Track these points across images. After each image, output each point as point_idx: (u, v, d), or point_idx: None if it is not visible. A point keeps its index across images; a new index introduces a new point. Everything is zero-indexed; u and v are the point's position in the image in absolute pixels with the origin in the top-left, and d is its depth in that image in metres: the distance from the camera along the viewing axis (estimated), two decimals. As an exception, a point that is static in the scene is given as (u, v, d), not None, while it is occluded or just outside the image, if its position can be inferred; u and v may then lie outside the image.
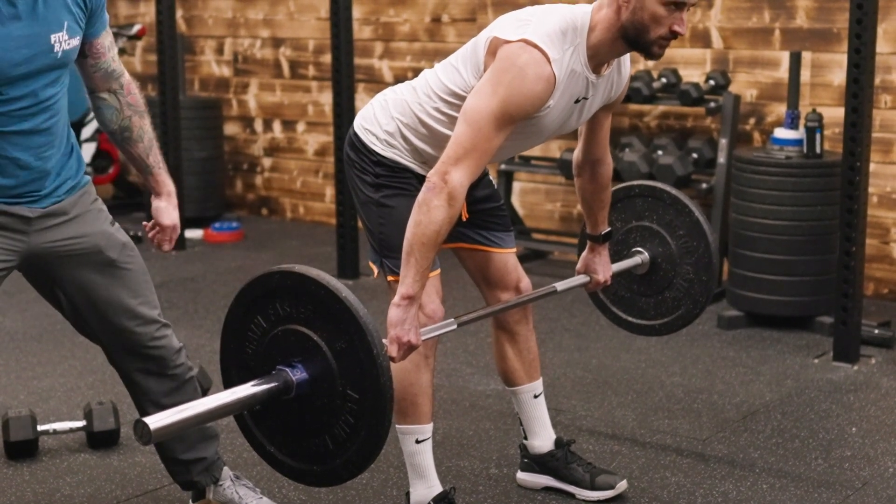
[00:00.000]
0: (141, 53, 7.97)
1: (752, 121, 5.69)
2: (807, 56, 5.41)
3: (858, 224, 4.50)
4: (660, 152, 5.64)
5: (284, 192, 7.62)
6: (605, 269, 3.37)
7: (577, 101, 2.91)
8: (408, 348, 2.72)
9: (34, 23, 2.58)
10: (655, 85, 5.66)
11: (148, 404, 2.98)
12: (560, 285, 3.26)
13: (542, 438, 3.41)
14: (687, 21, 2.82)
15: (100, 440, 3.72)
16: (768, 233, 4.96)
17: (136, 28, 7.29)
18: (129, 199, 7.67)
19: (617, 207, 3.49)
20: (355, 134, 3.11)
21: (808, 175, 4.93)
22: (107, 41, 2.83)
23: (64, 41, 2.64)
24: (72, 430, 3.74)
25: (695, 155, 5.62)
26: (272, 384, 2.40)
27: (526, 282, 3.31)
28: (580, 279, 3.37)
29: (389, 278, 3.07)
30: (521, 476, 3.48)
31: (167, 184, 3.00)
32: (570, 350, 4.78)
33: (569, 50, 2.81)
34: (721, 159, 5.49)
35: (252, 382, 2.41)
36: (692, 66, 5.80)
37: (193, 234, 6.85)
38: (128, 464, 3.63)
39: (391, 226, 3.02)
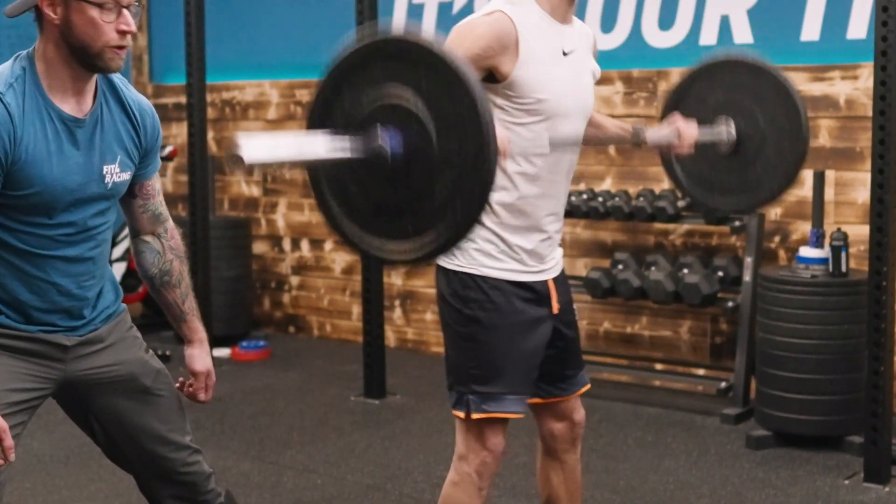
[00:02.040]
0: (172, 173, 8.10)
1: (776, 239, 5.71)
2: (830, 175, 5.45)
3: (886, 342, 4.49)
4: (685, 270, 5.65)
5: (312, 310, 7.66)
6: (689, 125, 3.20)
7: (565, 54, 2.92)
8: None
9: (90, 152, 2.64)
10: (680, 203, 5.70)
11: None
12: (649, 134, 3.14)
13: None
14: None
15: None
16: (796, 352, 4.94)
17: (169, 149, 7.42)
18: (159, 318, 7.72)
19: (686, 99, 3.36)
20: (439, 267, 3.05)
21: (835, 294, 4.93)
22: (157, 184, 2.89)
23: (115, 173, 2.70)
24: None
25: (720, 273, 5.64)
26: (372, 143, 2.23)
27: (581, 413, 3.27)
28: (668, 131, 3.18)
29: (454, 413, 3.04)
30: None
31: (199, 330, 2.98)
32: (597, 471, 4.75)
33: (514, 7, 2.84)
34: (747, 277, 5.50)
35: (348, 136, 2.24)
36: (716, 184, 5.84)
37: (221, 353, 6.87)
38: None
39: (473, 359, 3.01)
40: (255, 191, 7.85)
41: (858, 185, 5.42)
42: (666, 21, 6.03)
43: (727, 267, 5.65)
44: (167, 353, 6.73)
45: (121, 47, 2.57)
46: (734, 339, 5.73)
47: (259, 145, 2.12)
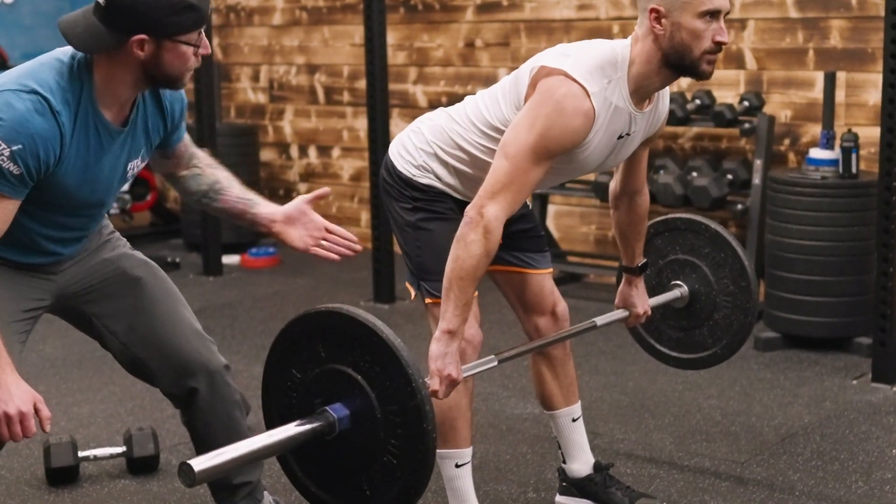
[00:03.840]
0: (177, 81, 8.03)
1: (786, 141, 5.68)
2: (841, 76, 5.40)
3: (895, 244, 4.48)
4: (694, 174, 5.63)
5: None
6: (643, 301, 3.37)
7: (619, 137, 2.91)
8: (449, 383, 2.72)
9: (120, 154, 2.67)
10: (689, 106, 5.66)
11: (200, 426, 2.99)
12: (599, 320, 3.27)
13: (581, 462, 3.41)
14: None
15: (139, 466, 3.74)
16: (805, 254, 4.94)
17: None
18: (167, 226, 7.74)
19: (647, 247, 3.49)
20: (391, 160, 3.13)
21: (845, 195, 4.91)
22: (187, 138, 2.91)
23: (136, 165, 2.75)
24: (112, 457, 3.77)
25: (730, 176, 5.61)
26: (314, 424, 2.39)
27: (562, 305, 3.32)
28: (619, 314, 3.37)
29: (427, 301, 3.09)
30: (560, 500, 3.48)
31: (266, 205, 2.96)
32: (606, 374, 4.78)
33: (609, 84, 2.80)
34: (756, 180, 5.48)
35: (294, 423, 2.40)
36: (726, 87, 5.80)
37: (230, 259, 6.90)
38: (167, 489, 3.65)
39: (428, 249, 3.04)
40: (262, 98, 7.81)
41: (870, 87, 5.37)
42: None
43: (736, 170, 5.63)
44: (177, 259, 6.77)
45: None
46: (743, 241, 5.72)
47: (210, 457, 2.26)
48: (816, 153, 5.05)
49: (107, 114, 2.59)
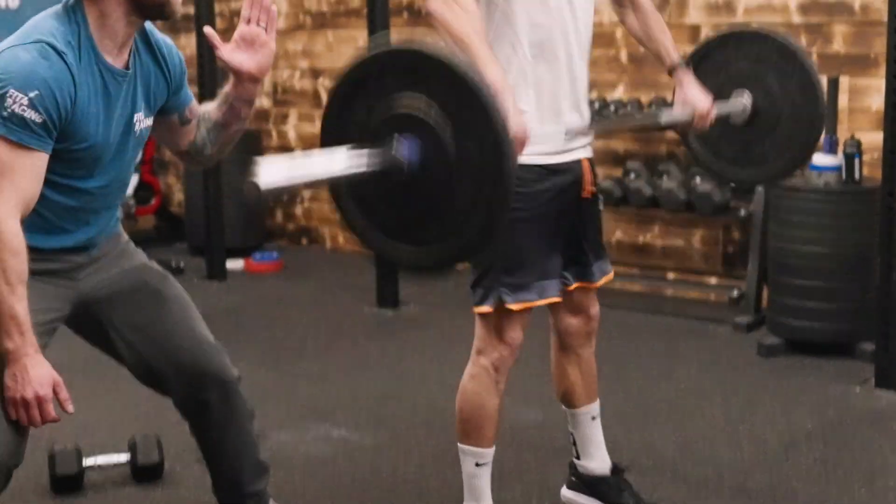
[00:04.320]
0: (181, 86, 8.05)
1: (790, 146, 5.67)
2: (844, 81, 5.40)
3: (898, 250, 4.49)
4: (698, 179, 5.64)
5: (324, 221, 7.67)
6: (703, 97, 3.17)
7: None
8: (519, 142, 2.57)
9: (125, 103, 2.66)
10: (693, 112, 5.65)
11: (211, 437, 2.99)
12: (664, 117, 3.16)
13: (597, 461, 3.41)
14: None
15: (144, 474, 3.75)
16: (808, 259, 4.94)
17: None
18: (171, 231, 7.75)
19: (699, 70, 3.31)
20: None
21: (847, 201, 4.91)
22: (195, 110, 2.90)
23: (141, 120, 2.72)
24: (116, 465, 3.78)
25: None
26: (388, 155, 2.23)
27: (596, 308, 3.31)
28: (683, 112, 3.17)
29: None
30: (567, 493, 3.48)
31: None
32: (609, 379, 4.77)
33: None
34: (759, 186, 5.48)
35: (365, 150, 2.24)
36: (729, 92, 5.79)
37: (234, 264, 6.90)
38: (172, 498, 3.66)
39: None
40: (266, 102, 7.82)
41: (873, 92, 5.37)
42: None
43: (740, 175, 5.62)
44: (181, 264, 6.77)
45: None
46: (746, 247, 5.73)
47: (275, 170, 2.11)
48: (819, 159, 5.05)
49: (107, 56, 2.59)
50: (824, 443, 4.04)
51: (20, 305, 2.46)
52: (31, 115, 2.44)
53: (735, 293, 5.63)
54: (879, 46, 5.25)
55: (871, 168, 5.21)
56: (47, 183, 2.57)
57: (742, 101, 3.29)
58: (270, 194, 2.12)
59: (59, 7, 2.60)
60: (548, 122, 2.95)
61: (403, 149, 2.23)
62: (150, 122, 2.76)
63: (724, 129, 3.33)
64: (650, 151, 6.08)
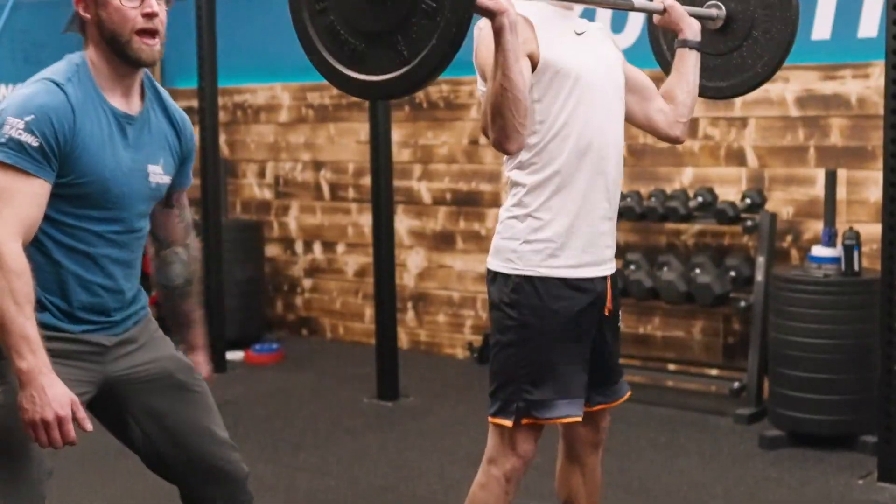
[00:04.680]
0: (184, 177, 8.10)
1: (789, 238, 5.71)
2: (842, 173, 5.44)
3: (899, 342, 4.48)
4: (697, 270, 5.65)
5: (324, 312, 7.68)
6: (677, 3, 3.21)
7: (578, 35, 2.94)
8: None
9: (138, 150, 2.71)
10: (692, 204, 5.70)
11: None
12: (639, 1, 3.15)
13: None
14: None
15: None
16: (809, 351, 4.93)
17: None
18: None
19: None
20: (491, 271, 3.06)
21: (847, 293, 4.92)
22: (186, 197, 2.96)
23: (159, 174, 2.77)
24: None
25: (732, 273, 5.63)
26: None
27: (608, 419, 3.28)
28: (656, 3, 3.19)
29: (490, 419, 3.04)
30: None
31: (203, 337, 3.06)
32: (611, 472, 4.74)
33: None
34: (759, 277, 5.50)
35: None
36: (728, 184, 5.85)
37: (234, 355, 6.89)
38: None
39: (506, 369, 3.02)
40: (268, 194, 7.87)
41: (871, 184, 5.41)
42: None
43: (739, 266, 5.65)
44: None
45: (150, 34, 2.65)
46: (747, 338, 5.73)
47: None
48: (819, 251, 5.08)
49: (111, 99, 2.66)
50: (828, 536, 4.01)
51: (30, 325, 2.45)
52: (27, 138, 2.49)
53: (736, 385, 5.61)
54: (876, 139, 5.30)
55: (870, 259, 5.23)
56: (62, 227, 2.60)
57: (713, 10, 3.34)
58: None
59: (70, 57, 2.70)
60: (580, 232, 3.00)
61: None
62: (167, 180, 2.80)
63: (701, 42, 3.31)
64: (650, 243, 6.11)
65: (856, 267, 4.93)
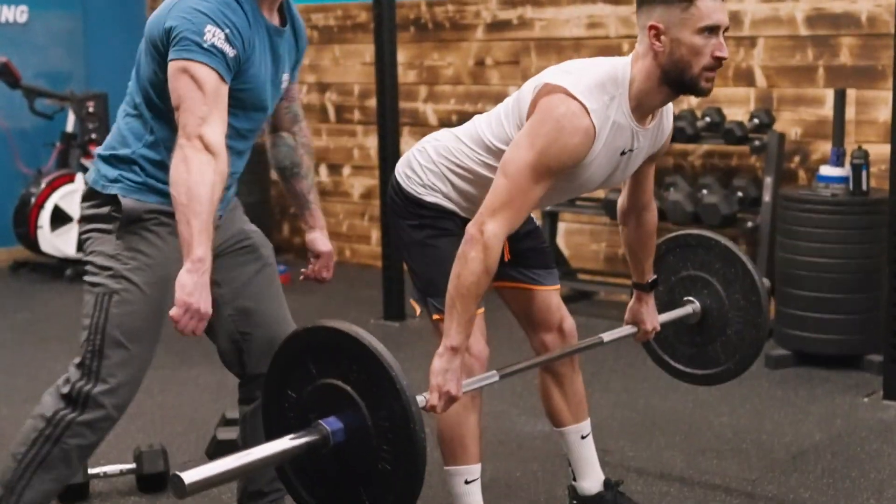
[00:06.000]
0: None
1: (796, 159, 5.68)
2: (851, 93, 5.40)
3: (906, 261, 4.48)
4: (704, 191, 5.63)
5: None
6: (653, 317, 3.36)
7: (622, 154, 2.90)
8: (448, 399, 2.72)
9: (278, 61, 2.88)
10: (699, 124, 5.66)
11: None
12: (607, 336, 3.26)
13: (591, 480, 3.39)
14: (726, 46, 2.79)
15: (149, 483, 3.75)
16: (815, 271, 4.93)
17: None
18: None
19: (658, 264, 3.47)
20: (397, 180, 3.15)
21: (855, 212, 4.91)
22: (297, 89, 3.13)
23: (286, 80, 2.96)
24: (122, 473, 3.78)
25: (740, 194, 5.62)
26: (308, 437, 2.40)
27: (569, 322, 3.31)
28: (628, 329, 3.36)
29: (434, 317, 3.09)
30: (569, 518, 3.48)
31: (321, 218, 3.23)
32: (616, 391, 4.77)
33: (610, 101, 2.79)
34: (766, 198, 5.48)
35: (290, 436, 2.42)
36: (736, 104, 5.81)
37: (241, 277, 6.89)
38: (177, 507, 3.66)
39: (434, 265, 3.04)
40: (273, 116, 7.83)
41: (880, 104, 5.37)
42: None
43: (747, 187, 5.63)
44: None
45: None
46: (754, 258, 5.72)
47: (202, 471, 2.24)
48: (826, 170, 5.05)
49: (264, 13, 2.79)
50: (832, 454, 4.03)
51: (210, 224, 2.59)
52: (227, 49, 2.64)
53: (742, 306, 5.62)
54: (886, 59, 5.25)
55: (878, 180, 5.20)
56: None
57: (690, 309, 3.48)
58: (196, 489, 2.22)
59: None
60: None
61: (328, 425, 2.41)
62: (288, 81, 2.98)
63: (677, 330, 3.54)
64: (657, 164, 6.07)
65: (864, 186, 4.91)
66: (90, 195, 2.89)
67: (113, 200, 2.82)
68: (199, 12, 2.63)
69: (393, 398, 2.35)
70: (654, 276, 3.36)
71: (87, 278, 2.85)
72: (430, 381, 2.71)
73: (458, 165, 3.04)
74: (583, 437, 3.38)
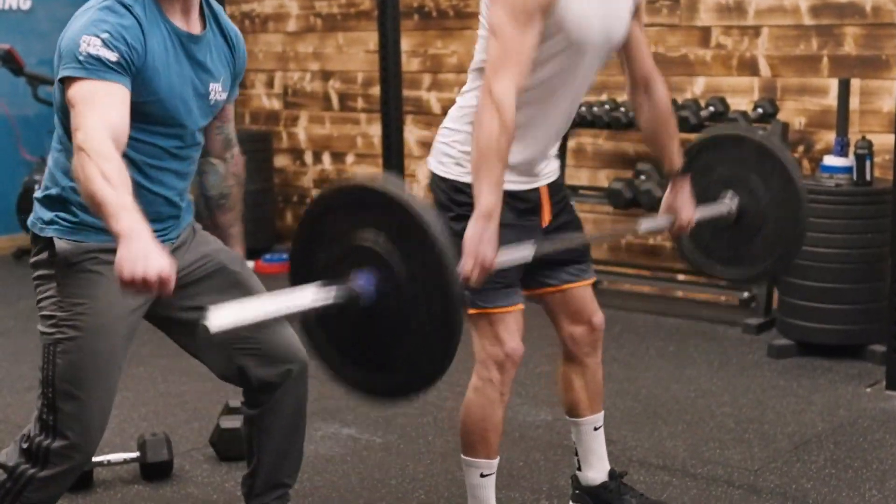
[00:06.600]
0: (192, 88, 8.06)
1: (800, 148, 5.67)
2: (855, 83, 5.39)
3: (910, 251, 4.47)
4: (708, 181, 5.62)
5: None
6: (689, 207, 3.20)
7: None
8: (483, 267, 2.67)
9: (201, 69, 2.75)
10: (703, 113, 5.65)
11: (270, 418, 3.02)
12: (643, 225, 3.20)
13: (597, 471, 3.39)
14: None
15: (153, 471, 3.76)
16: (819, 261, 4.93)
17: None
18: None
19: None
20: (433, 173, 3.07)
21: (859, 202, 4.90)
22: (232, 110, 3.00)
23: (218, 92, 2.82)
24: (125, 462, 3.79)
25: (744, 183, 5.60)
26: (342, 289, 2.30)
27: (599, 316, 3.28)
28: (664, 219, 3.22)
29: (470, 311, 3.03)
30: (572, 507, 3.48)
31: (242, 251, 3.13)
32: (619, 380, 4.77)
33: None
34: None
35: (320, 283, 2.30)
36: (740, 94, 5.80)
37: (244, 265, 6.90)
38: (180, 495, 3.67)
39: None
40: (276, 104, 7.83)
41: (884, 94, 5.36)
42: (690, -73, 5.94)
43: (750, 177, 5.62)
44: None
45: None
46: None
47: (226, 313, 2.16)
48: (830, 160, 5.05)
49: (173, 19, 2.68)
50: (834, 444, 4.03)
51: (128, 198, 2.30)
52: (105, 53, 2.52)
53: (745, 295, 5.62)
54: (891, 48, 5.24)
55: (882, 170, 5.20)
56: (130, 142, 2.55)
57: (726, 205, 3.30)
58: (222, 334, 2.15)
59: None
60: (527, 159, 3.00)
61: (359, 281, 2.30)
62: (223, 97, 2.85)
63: (713, 230, 3.36)
64: (660, 153, 6.07)
65: (868, 176, 4.91)
66: (32, 240, 2.81)
67: (50, 244, 2.73)
68: (79, 25, 2.57)
69: (427, 250, 2.26)
70: (684, 161, 3.23)
71: (38, 327, 2.77)
72: (464, 247, 2.65)
73: (474, 108, 2.94)
74: (595, 429, 3.37)
